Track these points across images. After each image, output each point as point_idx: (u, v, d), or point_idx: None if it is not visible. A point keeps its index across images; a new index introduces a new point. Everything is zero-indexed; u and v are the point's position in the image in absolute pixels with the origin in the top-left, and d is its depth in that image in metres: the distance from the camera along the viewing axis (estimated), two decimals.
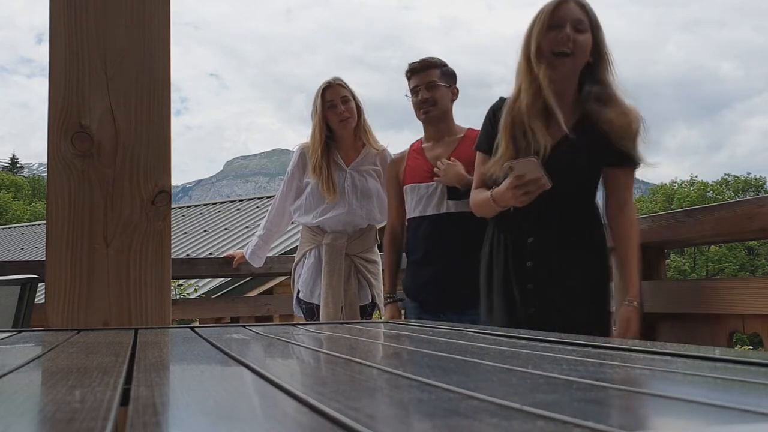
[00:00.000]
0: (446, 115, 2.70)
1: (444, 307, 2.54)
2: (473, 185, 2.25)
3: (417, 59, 2.73)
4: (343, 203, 2.90)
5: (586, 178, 2.08)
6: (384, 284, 2.83)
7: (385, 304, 2.79)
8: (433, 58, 2.72)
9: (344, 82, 2.94)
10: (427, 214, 2.61)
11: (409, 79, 2.72)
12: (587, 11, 2.00)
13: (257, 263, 3.32)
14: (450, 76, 2.71)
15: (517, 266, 2.05)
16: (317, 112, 2.91)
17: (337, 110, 2.88)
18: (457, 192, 2.52)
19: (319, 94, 2.91)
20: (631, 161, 2.03)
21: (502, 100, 2.15)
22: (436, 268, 2.56)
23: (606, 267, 2.09)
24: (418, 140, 2.80)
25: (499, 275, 2.09)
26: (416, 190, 2.65)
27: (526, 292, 2.03)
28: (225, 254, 3.61)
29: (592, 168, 2.07)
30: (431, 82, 2.66)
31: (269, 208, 3.20)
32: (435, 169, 2.58)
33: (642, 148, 2.02)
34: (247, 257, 3.29)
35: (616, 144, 1.97)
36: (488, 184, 2.13)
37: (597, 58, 2.00)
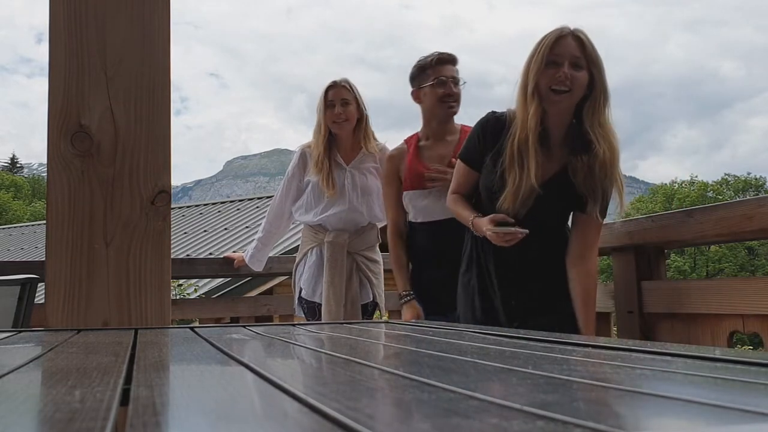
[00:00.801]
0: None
1: (451, 310, 2.52)
2: (450, 189, 2.30)
3: (444, 51, 2.62)
4: (343, 201, 2.91)
5: (567, 214, 2.16)
6: (398, 282, 2.70)
7: (404, 303, 2.64)
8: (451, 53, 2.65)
9: (350, 85, 2.93)
10: (434, 219, 2.57)
11: (430, 69, 2.58)
12: (585, 46, 2.01)
13: (257, 267, 3.27)
14: None
15: (498, 282, 2.13)
16: (320, 111, 2.93)
17: (334, 111, 2.89)
18: None
19: (323, 93, 2.92)
20: (597, 211, 2.07)
21: (492, 114, 2.18)
22: (443, 271, 2.51)
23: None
24: (414, 135, 2.74)
25: (478, 287, 2.16)
26: (420, 196, 2.60)
27: (509, 306, 2.10)
28: (224, 255, 3.59)
29: (573, 206, 2.13)
30: (454, 77, 2.59)
31: (267, 210, 3.19)
32: (432, 174, 2.52)
33: (614, 193, 2.05)
34: (247, 261, 3.26)
35: (581, 192, 2.03)
36: (465, 195, 2.24)
37: (589, 93, 2.01)
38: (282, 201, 3.08)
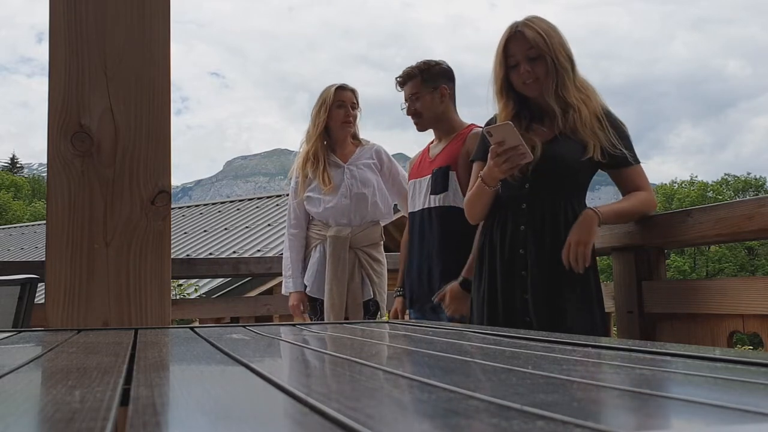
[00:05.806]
0: (438, 118, 2.70)
1: (424, 302, 2.58)
2: (468, 191, 2.30)
3: (401, 70, 2.75)
4: (345, 195, 2.94)
5: (573, 179, 2.13)
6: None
7: (395, 297, 2.84)
8: (413, 66, 2.72)
9: (356, 91, 3.05)
10: (416, 209, 2.68)
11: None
12: (530, 38, 2.07)
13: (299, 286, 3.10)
14: (435, 76, 2.67)
15: (512, 275, 2.09)
16: (323, 111, 2.98)
17: (345, 112, 2.97)
18: (439, 186, 2.58)
19: (331, 94, 2.98)
20: (622, 162, 2.09)
21: (495, 116, 2.22)
22: (420, 263, 2.61)
23: (595, 274, 2.12)
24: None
25: (494, 283, 2.13)
26: (413, 185, 2.73)
27: (524, 301, 2.06)
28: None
29: (579, 169, 2.11)
30: (413, 94, 2.69)
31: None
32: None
33: (629, 146, 2.10)
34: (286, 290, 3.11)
35: (594, 152, 2.05)
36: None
37: (556, 71, 2.09)
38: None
